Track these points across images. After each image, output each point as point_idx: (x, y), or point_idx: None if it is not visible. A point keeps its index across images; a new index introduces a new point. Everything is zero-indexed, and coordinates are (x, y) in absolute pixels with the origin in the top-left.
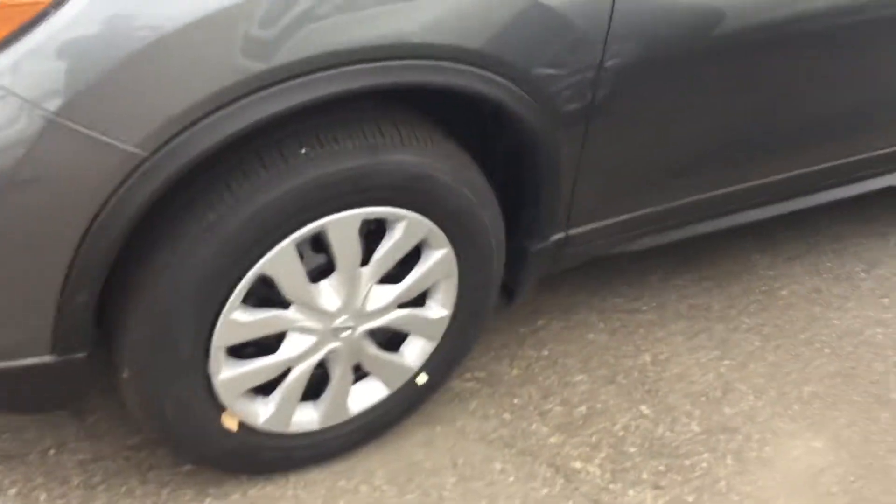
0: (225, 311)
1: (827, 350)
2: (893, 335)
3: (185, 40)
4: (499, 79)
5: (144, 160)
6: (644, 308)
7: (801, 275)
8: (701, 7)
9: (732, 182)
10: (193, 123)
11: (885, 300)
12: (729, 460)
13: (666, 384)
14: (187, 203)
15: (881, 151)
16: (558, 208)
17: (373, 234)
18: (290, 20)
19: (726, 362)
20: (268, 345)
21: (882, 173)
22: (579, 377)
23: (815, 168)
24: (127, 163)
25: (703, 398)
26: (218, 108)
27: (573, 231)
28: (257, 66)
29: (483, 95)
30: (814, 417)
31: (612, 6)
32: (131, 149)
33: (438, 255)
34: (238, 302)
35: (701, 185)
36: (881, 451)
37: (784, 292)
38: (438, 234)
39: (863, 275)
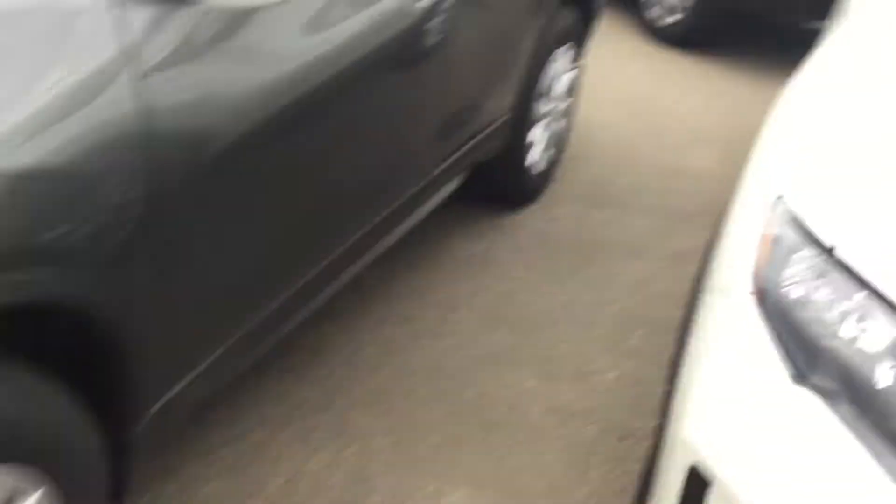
0: None
1: (422, 393)
2: (463, 358)
3: None
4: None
5: None
6: (246, 430)
7: (370, 329)
8: (238, 118)
9: (311, 267)
10: None
11: (446, 325)
12: None
13: (307, 502)
14: None
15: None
16: (142, 378)
17: None
18: None
19: (350, 450)
20: None
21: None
22: None
23: (374, 221)
24: None
25: (348, 498)
26: None
27: (170, 394)
28: None
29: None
30: (447, 468)
31: (139, 140)
32: None
33: (36, 498)
34: None
35: (281, 284)
36: (506, 473)
37: (363, 354)
38: (31, 476)
39: (417, 312)
